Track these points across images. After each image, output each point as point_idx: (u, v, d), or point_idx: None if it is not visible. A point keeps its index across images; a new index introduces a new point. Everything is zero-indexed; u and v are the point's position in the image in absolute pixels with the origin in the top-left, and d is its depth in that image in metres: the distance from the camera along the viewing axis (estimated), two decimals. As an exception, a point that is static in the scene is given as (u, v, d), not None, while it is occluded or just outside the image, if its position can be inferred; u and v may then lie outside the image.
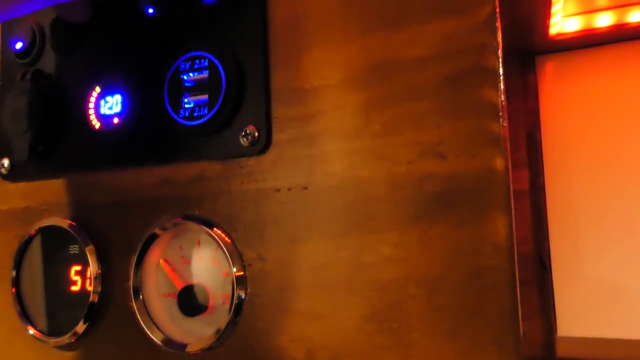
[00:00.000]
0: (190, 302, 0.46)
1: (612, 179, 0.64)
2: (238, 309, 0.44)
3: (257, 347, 0.43)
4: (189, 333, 0.47)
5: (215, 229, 0.45)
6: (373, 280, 0.40)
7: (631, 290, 0.62)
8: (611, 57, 0.66)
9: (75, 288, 0.51)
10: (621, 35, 0.64)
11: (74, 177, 0.53)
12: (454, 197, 0.38)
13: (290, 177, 0.43)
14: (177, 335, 0.47)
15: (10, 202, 0.56)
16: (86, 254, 0.50)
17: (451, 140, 0.38)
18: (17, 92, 0.52)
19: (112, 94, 0.50)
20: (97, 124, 0.50)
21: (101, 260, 0.50)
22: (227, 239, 0.45)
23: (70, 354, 0.52)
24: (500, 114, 0.37)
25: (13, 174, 0.55)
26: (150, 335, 0.47)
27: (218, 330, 0.44)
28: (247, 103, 0.44)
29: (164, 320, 0.48)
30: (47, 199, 0.54)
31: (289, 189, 0.43)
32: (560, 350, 0.64)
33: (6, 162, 0.55)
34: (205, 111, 0.45)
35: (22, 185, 0.55)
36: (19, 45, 0.54)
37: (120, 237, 0.50)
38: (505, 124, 0.37)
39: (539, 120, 0.68)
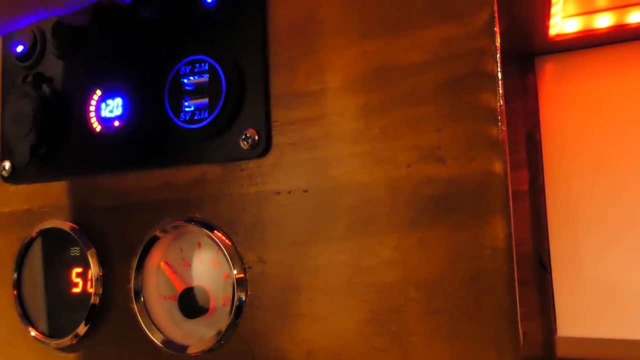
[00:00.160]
0: (190, 304, 0.46)
1: (612, 180, 0.64)
2: (238, 311, 0.44)
3: (257, 349, 0.44)
4: (190, 335, 0.47)
5: (215, 231, 0.45)
6: (373, 283, 0.40)
7: (631, 290, 0.62)
8: (611, 57, 0.66)
9: (76, 290, 0.51)
10: (621, 36, 0.64)
11: (75, 179, 0.53)
12: (453, 200, 0.38)
13: (291, 180, 0.43)
14: (178, 337, 0.47)
15: (11, 205, 0.56)
16: (87, 256, 0.50)
17: (450, 144, 0.38)
18: (19, 96, 0.52)
19: (112, 97, 0.50)
20: (98, 127, 0.50)
21: (102, 262, 0.50)
22: (227, 241, 0.45)
23: (72, 355, 0.52)
24: (499, 117, 0.37)
25: (14, 177, 0.55)
26: (151, 337, 0.47)
27: (219, 332, 0.44)
28: (247, 106, 0.45)
29: (164, 322, 0.48)
30: (49, 202, 0.54)
31: (289, 192, 0.43)
32: (560, 350, 0.64)
33: (7, 164, 0.55)
34: (206, 114, 0.45)
35: (23, 188, 0.56)
36: (19, 48, 0.55)
37: (121, 240, 0.50)
38: (504, 128, 0.37)
39: (539, 121, 0.68)
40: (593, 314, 0.63)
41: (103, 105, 0.50)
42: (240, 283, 0.44)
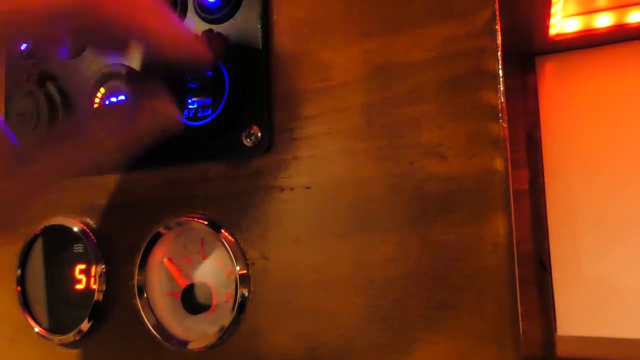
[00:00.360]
0: (193, 300, 0.47)
1: (612, 179, 0.65)
2: (241, 307, 0.44)
3: (260, 345, 0.44)
4: (193, 331, 0.47)
5: (219, 228, 0.45)
6: (374, 279, 0.40)
7: (631, 290, 0.62)
8: (611, 57, 0.66)
9: (79, 286, 0.52)
10: (621, 36, 0.64)
11: (79, 176, 0.53)
12: (454, 197, 0.38)
13: (293, 177, 0.44)
14: (181, 333, 0.47)
15: (15, 202, 0.56)
16: (90, 253, 0.51)
17: (452, 142, 0.39)
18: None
19: (116, 95, 0.50)
20: (101, 125, 0.51)
21: (105, 259, 0.51)
22: (230, 238, 0.45)
23: (75, 351, 0.52)
24: (500, 115, 0.37)
25: (18, 174, 0.56)
26: (154, 332, 0.47)
27: (221, 328, 0.45)
28: (250, 104, 0.45)
29: (167, 318, 0.48)
30: (52, 198, 0.54)
31: (292, 189, 0.44)
32: (560, 350, 0.64)
33: (11, 162, 0.55)
34: (209, 112, 0.45)
35: (27, 185, 0.56)
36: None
37: (124, 237, 0.50)
38: (505, 125, 0.37)
39: (539, 120, 0.69)
40: (593, 313, 0.63)
41: (107, 103, 0.50)
42: (243, 279, 0.44)
